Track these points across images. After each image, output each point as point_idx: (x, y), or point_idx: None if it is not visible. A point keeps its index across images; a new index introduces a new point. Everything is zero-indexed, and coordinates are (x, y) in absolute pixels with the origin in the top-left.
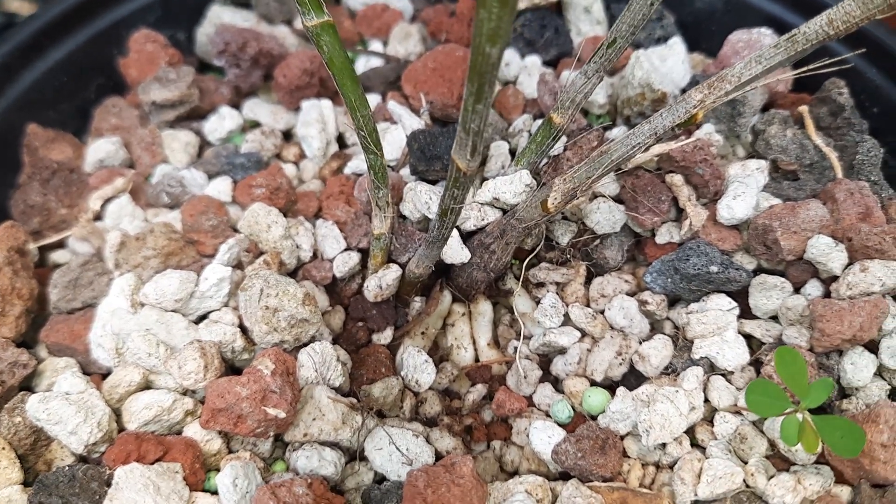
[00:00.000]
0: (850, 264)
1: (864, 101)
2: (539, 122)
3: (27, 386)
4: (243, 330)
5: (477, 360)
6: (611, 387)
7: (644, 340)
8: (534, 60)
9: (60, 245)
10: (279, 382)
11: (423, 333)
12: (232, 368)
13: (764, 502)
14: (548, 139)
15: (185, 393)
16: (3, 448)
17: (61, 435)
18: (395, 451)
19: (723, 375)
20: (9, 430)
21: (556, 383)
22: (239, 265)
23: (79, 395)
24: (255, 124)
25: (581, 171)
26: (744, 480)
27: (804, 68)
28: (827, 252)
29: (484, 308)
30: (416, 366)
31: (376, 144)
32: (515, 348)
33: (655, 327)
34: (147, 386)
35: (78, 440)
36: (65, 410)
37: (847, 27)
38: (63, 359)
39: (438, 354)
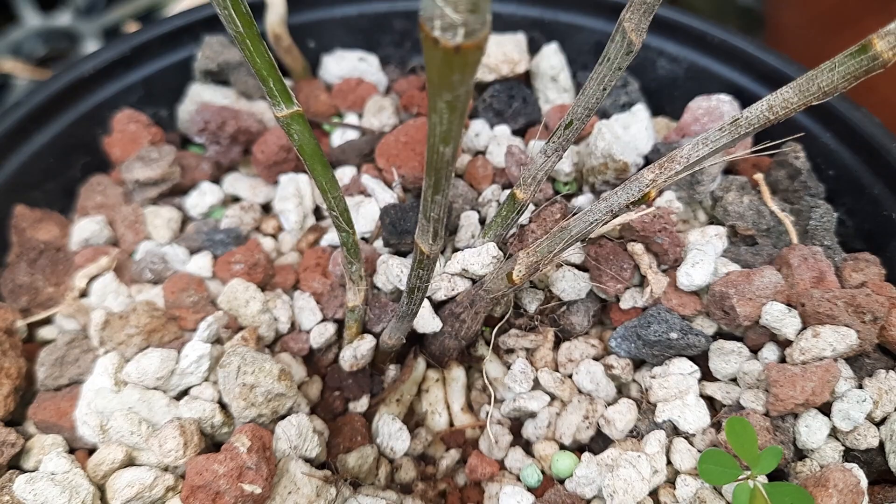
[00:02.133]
0: (803, 329)
1: (820, 164)
2: (508, 191)
3: (16, 464)
4: (222, 405)
5: (451, 424)
6: (581, 449)
7: (610, 404)
8: (503, 130)
9: (48, 321)
10: (255, 459)
11: (398, 400)
12: (213, 442)
13: None
14: (512, 213)
15: (166, 469)
16: None
17: None
18: None
19: (685, 438)
20: None
21: (528, 447)
22: (219, 340)
23: (63, 476)
24: (235, 199)
25: (543, 246)
26: None
27: (759, 146)
28: (780, 318)
29: (457, 374)
30: (391, 433)
31: (348, 223)
32: (488, 413)
33: (622, 390)
34: (131, 462)
35: None
36: (50, 491)
37: (786, 112)
38: (50, 436)
39: (414, 420)
